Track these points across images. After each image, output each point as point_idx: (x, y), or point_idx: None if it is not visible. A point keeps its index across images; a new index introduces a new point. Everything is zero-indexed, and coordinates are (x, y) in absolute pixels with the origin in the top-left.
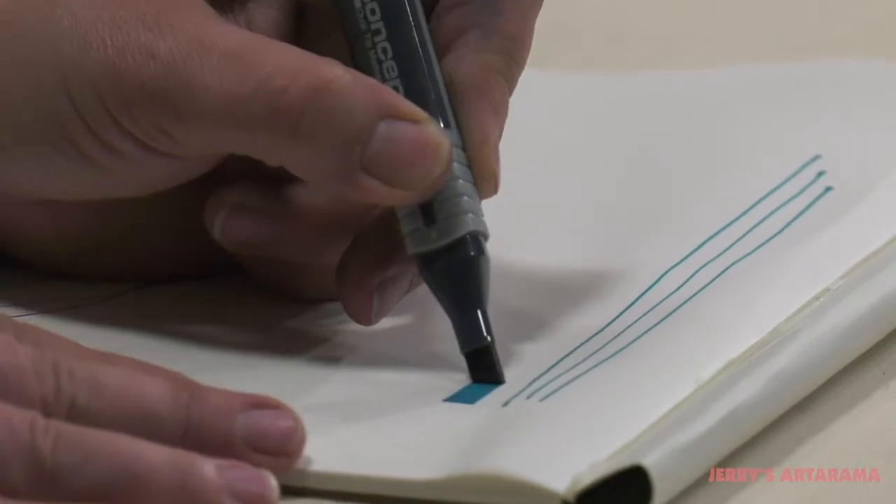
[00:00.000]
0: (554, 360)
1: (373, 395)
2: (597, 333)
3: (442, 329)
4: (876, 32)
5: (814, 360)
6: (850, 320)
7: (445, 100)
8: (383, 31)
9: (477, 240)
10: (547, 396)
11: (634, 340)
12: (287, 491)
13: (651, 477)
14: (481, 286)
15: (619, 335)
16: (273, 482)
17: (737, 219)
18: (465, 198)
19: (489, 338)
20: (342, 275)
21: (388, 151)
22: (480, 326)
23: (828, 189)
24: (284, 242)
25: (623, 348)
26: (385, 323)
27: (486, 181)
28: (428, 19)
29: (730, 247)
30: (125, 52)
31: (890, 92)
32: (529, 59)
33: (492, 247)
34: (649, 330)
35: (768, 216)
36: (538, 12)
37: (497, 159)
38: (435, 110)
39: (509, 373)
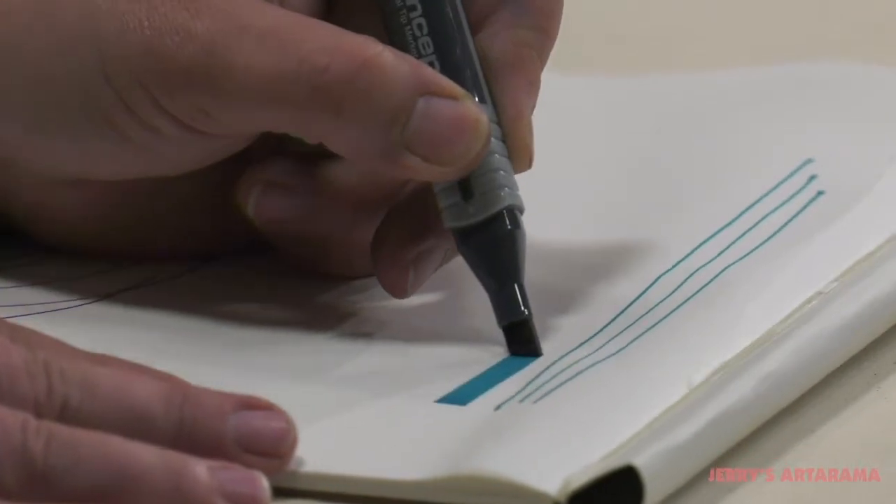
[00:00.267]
0: (545, 365)
1: (367, 395)
2: (591, 338)
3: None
4: (874, 33)
5: (805, 361)
6: (841, 322)
7: (480, 75)
8: (419, 6)
9: (513, 214)
10: (540, 399)
11: (627, 344)
12: (279, 492)
13: (642, 477)
14: (518, 260)
15: (611, 339)
16: (265, 483)
17: (729, 224)
18: (501, 172)
19: (527, 311)
20: (377, 248)
21: (428, 129)
22: (518, 300)
23: (819, 193)
24: (317, 219)
25: (616, 352)
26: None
27: (521, 156)
28: None
29: (722, 252)
30: (162, 32)
31: (881, 95)
32: None
33: None
34: (642, 334)
35: (760, 220)
36: None
37: (531, 134)
38: (471, 86)
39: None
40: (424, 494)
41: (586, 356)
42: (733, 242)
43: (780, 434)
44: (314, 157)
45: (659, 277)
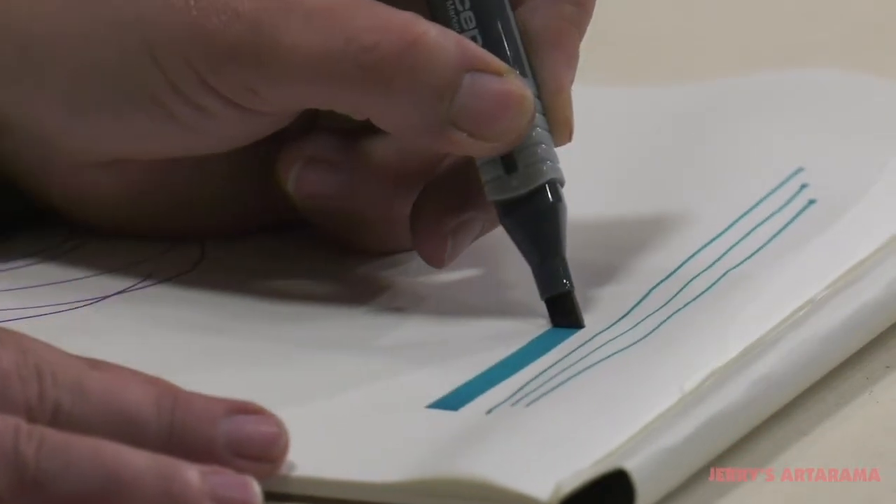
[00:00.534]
0: (536, 372)
1: (360, 398)
2: (584, 343)
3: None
4: (870, 37)
5: (797, 365)
6: (833, 326)
7: (521, 50)
8: None
9: (555, 187)
10: (531, 403)
11: (620, 350)
12: (271, 496)
13: (634, 481)
14: (560, 233)
15: (604, 345)
16: (256, 488)
17: (721, 233)
18: (543, 146)
19: (569, 283)
20: (416, 219)
21: (474, 105)
22: (561, 272)
23: (811, 202)
24: (356, 194)
25: (608, 356)
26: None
27: (561, 129)
28: None
29: (715, 262)
30: (209, 12)
31: (868, 104)
32: None
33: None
34: (636, 342)
35: (753, 230)
36: None
37: (571, 108)
38: (513, 60)
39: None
40: (415, 499)
41: (577, 361)
42: (726, 252)
43: (773, 437)
44: (353, 133)
45: (654, 288)
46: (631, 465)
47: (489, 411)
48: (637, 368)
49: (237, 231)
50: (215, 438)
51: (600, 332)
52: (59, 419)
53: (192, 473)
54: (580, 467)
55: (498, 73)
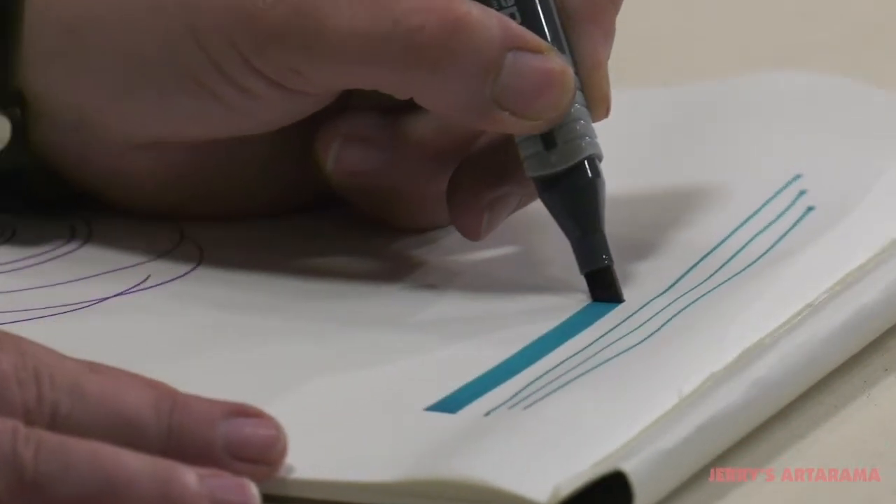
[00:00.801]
0: (535, 375)
1: (357, 400)
2: (585, 347)
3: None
4: (870, 36)
5: (794, 367)
6: (830, 329)
7: (559, 26)
8: None
9: (594, 163)
10: (530, 406)
11: (620, 353)
12: (269, 499)
13: (632, 483)
14: (599, 208)
15: (605, 348)
16: (254, 490)
17: (721, 243)
18: (582, 122)
19: (609, 258)
20: (453, 193)
21: (517, 83)
22: (600, 247)
23: (809, 209)
24: (394, 171)
25: (608, 360)
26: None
27: (599, 105)
28: None
29: (713, 273)
30: None
31: (867, 110)
32: None
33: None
34: (635, 345)
35: (751, 240)
36: None
37: (608, 83)
38: (551, 37)
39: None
40: (414, 501)
41: (577, 366)
42: (725, 264)
43: (771, 440)
44: (390, 110)
45: (652, 300)
46: (629, 467)
47: (487, 413)
48: (636, 371)
49: (272, 211)
50: (213, 441)
51: (600, 338)
52: (57, 422)
53: (190, 476)
54: (579, 469)
55: (538, 51)
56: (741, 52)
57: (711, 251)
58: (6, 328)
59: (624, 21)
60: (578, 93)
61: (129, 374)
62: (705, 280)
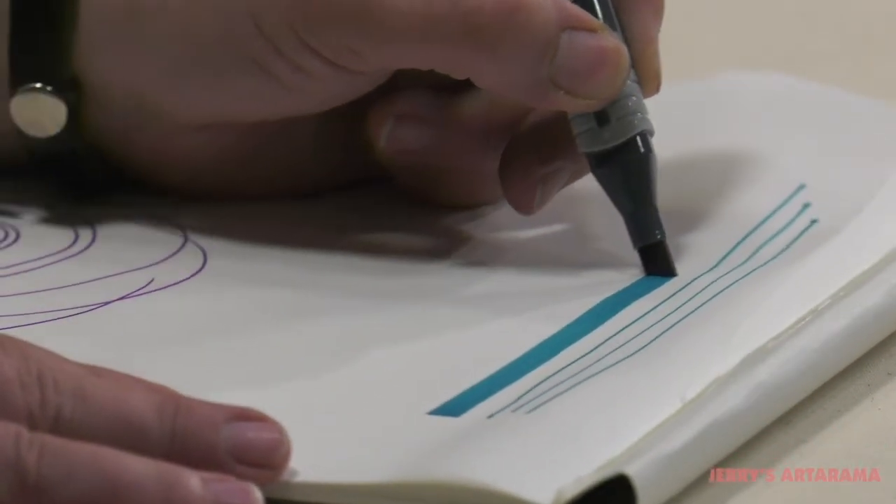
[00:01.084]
0: (538, 379)
1: (362, 400)
2: (587, 353)
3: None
4: (871, 41)
5: (797, 371)
6: (832, 333)
7: (610, 4)
8: None
9: (646, 138)
10: (533, 410)
11: (623, 359)
12: (272, 503)
13: (635, 486)
14: (652, 183)
15: (608, 354)
16: (258, 494)
17: (725, 257)
18: (633, 98)
19: (661, 232)
20: (506, 168)
21: (572, 63)
22: (653, 222)
23: (813, 222)
24: (445, 149)
25: (611, 365)
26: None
27: (650, 80)
28: None
29: (716, 280)
30: None
31: (870, 120)
32: None
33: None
34: (638, 350)
35: (756, 252)
36: None
37: (659, 59)
38: (603, 15)
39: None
40: (417, 502)
41: (580, 371)
42: (729, 272)
43: (774, 443)
44: (442, 89)
45: (654, 308)
46: (632, 471)
47: (491, 416)
48: (639, 376)
49: (317, 190)
50: (217, 445)
51: (603, 343)
52: (60, 426)
53: (193, 480)
54: (582, 473)
55: (592, 30)
56: (742, 53)
57: (714, 267)
58: (10, 332)
59: None
60: (631, 69)
61: (132, 377)
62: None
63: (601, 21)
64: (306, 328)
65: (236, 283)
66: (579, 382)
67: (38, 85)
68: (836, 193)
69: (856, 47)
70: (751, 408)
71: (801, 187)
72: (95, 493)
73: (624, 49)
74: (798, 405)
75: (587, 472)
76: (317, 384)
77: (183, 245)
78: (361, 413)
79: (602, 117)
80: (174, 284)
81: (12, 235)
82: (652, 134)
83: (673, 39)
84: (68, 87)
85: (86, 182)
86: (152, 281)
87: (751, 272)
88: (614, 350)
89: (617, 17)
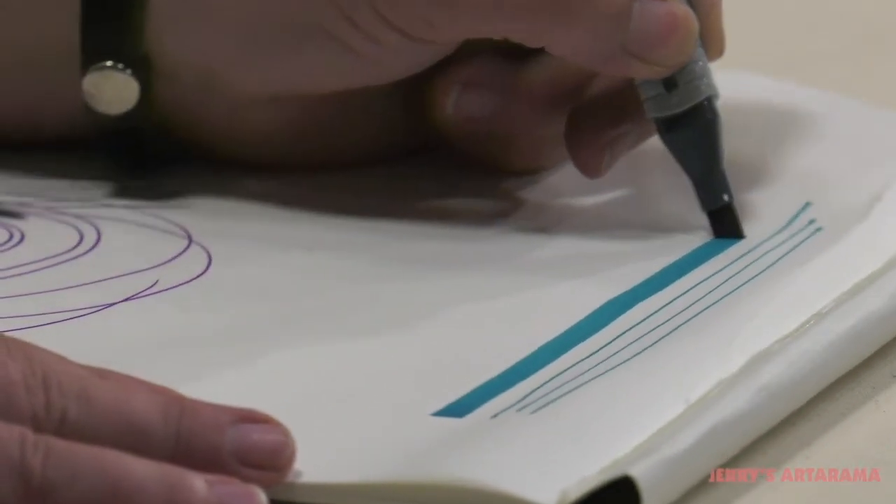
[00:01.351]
0: (543, 380)
1: (367, 404)
2: (591, 354)
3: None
4: (872, 43)
5: (801, 374)
6: (837, 335)
7: None
8: None
9: (712, 103)
10: (537, 410)
11: (628, 360)
12: None
13: (640, 488)
14: (719, 146)
15: (612, 356)
16: (262, 497)
17: (728, 265)
18: (700, 63)
19: (730, 195)
20: (574, 132)
21: (645, 30)
22: (721, 185)
23: (818, 230)
24: (511, 116)
25: (615, 367)
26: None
27: (715, 44)
28: None
29: (720, 285)
30: None
31: (875, 128)
32: None
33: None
34: (641, 351)
35: (759, 258)
36: None
37: (722, 22)
38: None
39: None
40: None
41: (584, 372)
42: (732, 277)
43: (778, 446)
44: (507, 55)
45: (656, 312)
46: (637, 472)
47: (495, 416)
48: (643, 378)
49: (376, 159)
50: (222, 447)
51: (607, 345)
52: (65, 428)
53: (198, 483)
54: (586, 474)
55: None
56: (742, 55)
57: (714, 274)
58: (14, 334)
59: None
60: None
61: (137, 380)
62: (710, 292)
63: None
64: (311, 329)
65: (241, 285)
66: (584, 383)
67: (110, 63)
68: (840, 199)
69: (856, 48)
70: (755, 410)
71: (808, 205)
72: (100, 496)
73: (693, 15)
74: (802, 407)
75: (591, 472)
76: (321, 385)
77: (188, 247)
78: (366, 414)
79: (670, 83)
80: (179, 286)
81: (17, 236)
82: (717, 98)
83: None
84: (140, 65)
85: (149, 157)
86: (157, 282)
87: (755, 276)
88: (619, 351)
89: None
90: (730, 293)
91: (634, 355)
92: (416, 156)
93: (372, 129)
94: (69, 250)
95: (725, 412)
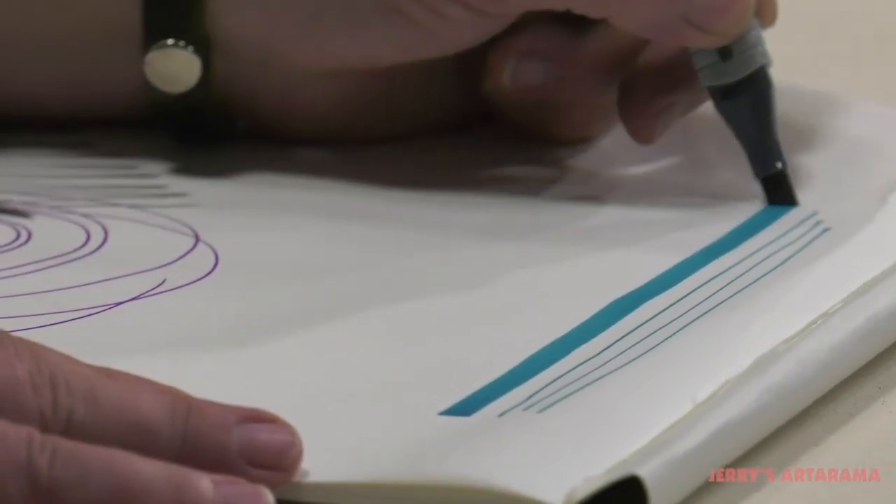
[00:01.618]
0: (549, 379)
1: (374, 403)
2: (598, 353)
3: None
4: (870, 43)
5: (808, 373)
6: (844, 335)
7: None
8: None
9: (766, 71)
10: (544, 409)
11: (635, 359)
12: None
13: (647, 488)
14: (772, 115)
15: (619, 355)
16: (269, 498)
17: (732, 266)
18: (754, 32)
19: (783, 163)
20: (627, 99)
21: (706, 1)
22: (775, 152)
23: (825, 230)
24: (566, 85)
25: (622, 366)
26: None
27: (768, 12)
28: None
29: (724, 287)
30: None
31: (876, 126)
32: None
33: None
34: (648, 351)
35: (766, 259)
36: None
37: None
38: None
39: None
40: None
41: (591, 371)
42: (737, 279)
43: (785, 446)
44: (563, 24)
45: (661, 312)
46: (644, 472)
47: (502, 414)
48: (650, 378)
49: (428, 132)
50: (228, 447)
51: (612, 345)
52: (72, 428)
53: (204, 483)
54: (593, 473)
55: None
56: None
57: (718, 275)
58: (21, 333)
59: None
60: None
61: (144, 379)
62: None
63: None
64: (318, 328)
65: (248, 284)
66: (591, 382)
67: (172, 42)
68: (848, 200)
69: (865, 49)
70: (762, 410)
71: (814, 214)
72: (107, 496)
73: None
74: (809, 407)
75: (598, 472)
76: (328, 384)
77: (195, 246)
78: (373, 413)
79: (725, 52)
80: (186, 285)
81: (24, 235)
82: (771, 65)
83: None
84: (201, 43)
85: (206, 133)
86: (164, 282)
87: (762, 276)
88: (626, 349)
89: None
90: (737, 293)
91: (641, 354)
92: (466, 129)
93: (426, 101)
94: (76, 249)
95: (733, 412)
